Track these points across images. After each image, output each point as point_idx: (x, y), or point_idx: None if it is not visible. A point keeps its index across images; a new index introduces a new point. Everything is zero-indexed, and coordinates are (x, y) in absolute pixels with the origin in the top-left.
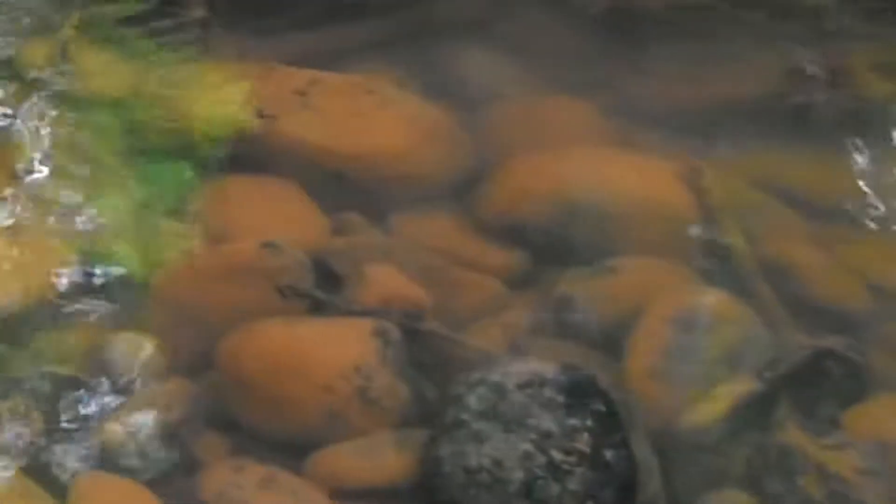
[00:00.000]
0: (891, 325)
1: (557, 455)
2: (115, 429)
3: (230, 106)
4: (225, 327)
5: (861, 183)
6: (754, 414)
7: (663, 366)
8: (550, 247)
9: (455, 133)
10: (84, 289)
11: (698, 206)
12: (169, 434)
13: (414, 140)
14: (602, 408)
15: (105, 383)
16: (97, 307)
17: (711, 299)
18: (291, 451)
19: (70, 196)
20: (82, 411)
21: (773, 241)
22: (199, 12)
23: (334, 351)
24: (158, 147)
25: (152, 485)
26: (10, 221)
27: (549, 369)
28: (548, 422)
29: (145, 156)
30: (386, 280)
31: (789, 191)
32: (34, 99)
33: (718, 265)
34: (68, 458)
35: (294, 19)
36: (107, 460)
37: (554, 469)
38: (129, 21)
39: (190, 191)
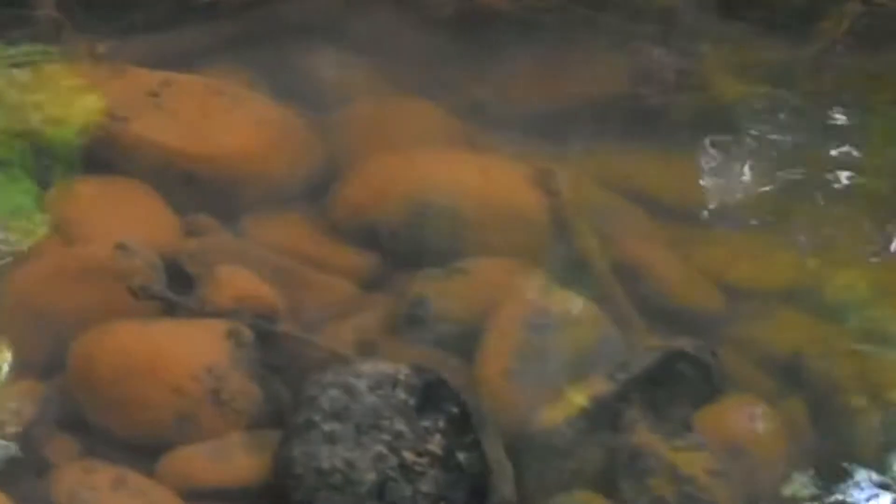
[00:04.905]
0: (742, 326)
1: (409, 456)
2: None
3: (81, 107)
4: (77, 328)
5: (712, 183)
6: (606, 415)
7: (515, 367)
8: (402, 248)
9: (306, 134)
10: None
11: (549, 207)
12: (19, 435)
13: (265, 141)
14: (454, 409)
15: None
16: None
17: (563, 301)
18: (143, 452)
19: None
20: None
21: (625, 242)
22: (48, 11)
23: (186, 352)
24: (8, 149)
25: (2, 486)
26: None
27: (401, 371)
28: (400, 423)
29: None
30: (238, 281)
31: (641, 192)
32: None
33: (570, 267)
34: None
35: (146, 20)
36: None
37: (406, 470)
38: None
39: (41, 193)
